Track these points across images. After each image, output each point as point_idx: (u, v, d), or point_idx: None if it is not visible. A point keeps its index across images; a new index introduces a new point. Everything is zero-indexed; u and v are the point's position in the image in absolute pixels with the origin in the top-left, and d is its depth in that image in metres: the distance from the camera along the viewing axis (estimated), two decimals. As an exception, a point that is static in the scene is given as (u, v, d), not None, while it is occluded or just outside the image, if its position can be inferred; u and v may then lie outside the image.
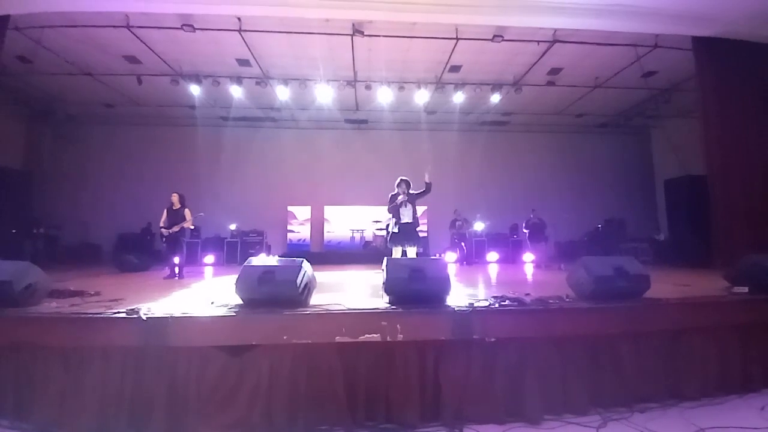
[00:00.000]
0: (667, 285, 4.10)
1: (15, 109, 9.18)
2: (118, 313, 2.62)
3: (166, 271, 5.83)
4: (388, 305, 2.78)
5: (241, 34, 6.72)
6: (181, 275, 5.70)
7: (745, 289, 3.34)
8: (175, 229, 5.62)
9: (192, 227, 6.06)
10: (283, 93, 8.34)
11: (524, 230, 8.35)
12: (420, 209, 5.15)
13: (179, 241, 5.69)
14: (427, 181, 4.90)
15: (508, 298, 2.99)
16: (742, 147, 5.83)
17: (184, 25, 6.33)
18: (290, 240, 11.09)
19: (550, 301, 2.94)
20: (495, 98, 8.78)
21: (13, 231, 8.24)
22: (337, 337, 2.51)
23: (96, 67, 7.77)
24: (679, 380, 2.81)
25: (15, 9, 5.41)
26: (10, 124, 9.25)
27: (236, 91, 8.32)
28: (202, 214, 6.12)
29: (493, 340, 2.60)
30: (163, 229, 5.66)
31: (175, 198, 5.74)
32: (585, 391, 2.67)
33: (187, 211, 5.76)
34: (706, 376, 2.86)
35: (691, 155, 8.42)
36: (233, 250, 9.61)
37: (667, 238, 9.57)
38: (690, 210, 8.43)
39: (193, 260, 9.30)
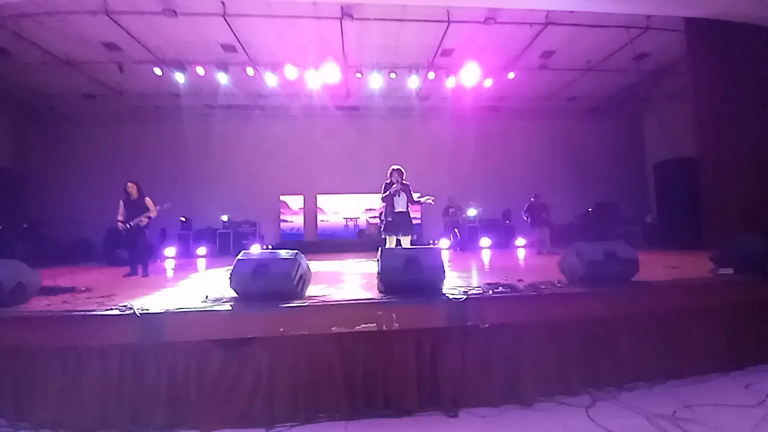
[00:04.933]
0: (656, 268, 4.19)
1: (1, 108, 8.90)
2: (111, 309, 2.59)
3: (128, 269, 5.22)
4: (384, 295, 2.80)
5: (225, 19, 6.49)
6: (145, 272, 5.14)
7: (730, 270, 3.43)
8: (144, 220, 5.07)
9: (152, 217, 5.22)
10: (271, 80, 8.15)
11: (524, 215, 7.95)
12: (414, 196, 5.14)
13: (143, 234, 5.13)
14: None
15: (501, 285, 3.03)
16: (733, 129, 5.86)
17: (165, 9, 6.10)
18: (284, 230, 11.04)
19: (542, 286, 2.98)
20: (487, 83, 8.69)
21: (0, 228, 8.05)
22: (334, 328, 2.53)
23: (76, 56, 7.48)
24: (667, 360, 2.90)
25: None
26: (-2, 123, 8.99)
27: (223, 79, 8.10)
28: (169, 204, 5.37)
29: (486, 326, 2.64)
30: (120, 223, 5.04)
31: (132, 188, 5.10)
32: (576, 373, 2.74)
33: (148, 200, 5.16)
34: (693, 355, 2.95)
35: (681, 138, 8.48)
36: (226, 242, 9.55)
37: (656, 221, 9.73)
38: (679, 192, 8.54)
39: (185, 252, 9.24)
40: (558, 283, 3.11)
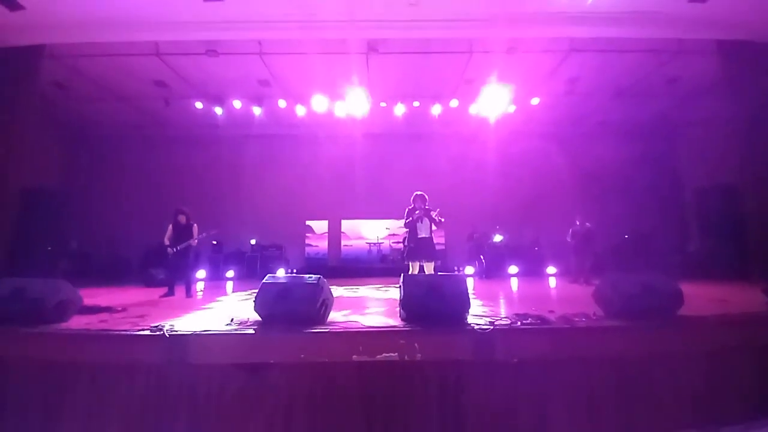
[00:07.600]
0: (701, 300, 3.87)
1: (50, 132, 9.70)
2: (143, 330, 2.69)
3: (179, 289, 5.42)
4: (406, 323, 2.75)
5: (261, 57, 6.98)
6: (189, 293, 5.36)
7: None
8: (193, 242, 5.41)
9: (193, 244, 5.60)
10: (301, 110, 8.58)
11: (569, 239, 7.41)
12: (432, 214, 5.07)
13: (188, 257, 5.45)
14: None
15: (531, 316, 2.89)
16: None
17: (208, 50, 6.64)
18: (308, 254, 11.19)
19: (576, 319, 2.82)
20: (511, 108, 8.71)
21: (48, 248, 8.64)
22: (355, 356, 2.49)
23: (127, 91, 8.23)
24: (718, 403, 2.63)
25: (50, 39, 5.77)
26: (46, 146, 9.74)
27: (257, 111, 8.61)
28: (215, 231, 5.72)
29: (515, 360, 2.51)
30: (169, 248, 5.34)
31: (182, 216, 5.51)
32: (615, 416, 2.53)
33: (195, 227, 5.52)
34: (746, 398, 2.66)
35: (721, 162, 8.04)
36: (253, 265, 9.77)
37: (698, 250, 9.08)
38: (723, 219, 7.98)
39: (215, 275, 9.52)
40: (593, 315, 2.94)
